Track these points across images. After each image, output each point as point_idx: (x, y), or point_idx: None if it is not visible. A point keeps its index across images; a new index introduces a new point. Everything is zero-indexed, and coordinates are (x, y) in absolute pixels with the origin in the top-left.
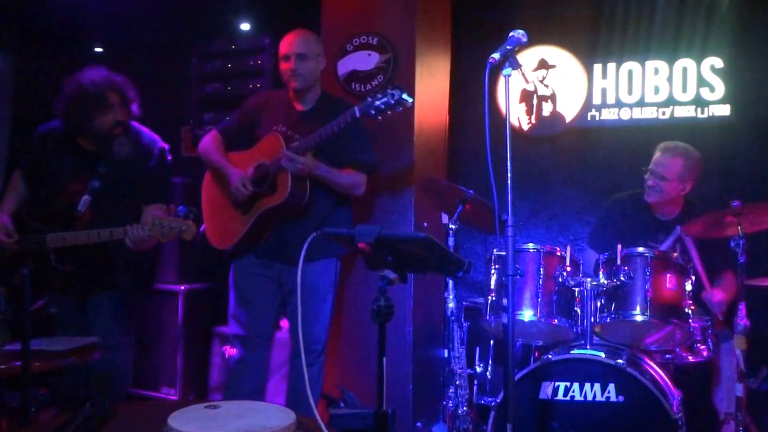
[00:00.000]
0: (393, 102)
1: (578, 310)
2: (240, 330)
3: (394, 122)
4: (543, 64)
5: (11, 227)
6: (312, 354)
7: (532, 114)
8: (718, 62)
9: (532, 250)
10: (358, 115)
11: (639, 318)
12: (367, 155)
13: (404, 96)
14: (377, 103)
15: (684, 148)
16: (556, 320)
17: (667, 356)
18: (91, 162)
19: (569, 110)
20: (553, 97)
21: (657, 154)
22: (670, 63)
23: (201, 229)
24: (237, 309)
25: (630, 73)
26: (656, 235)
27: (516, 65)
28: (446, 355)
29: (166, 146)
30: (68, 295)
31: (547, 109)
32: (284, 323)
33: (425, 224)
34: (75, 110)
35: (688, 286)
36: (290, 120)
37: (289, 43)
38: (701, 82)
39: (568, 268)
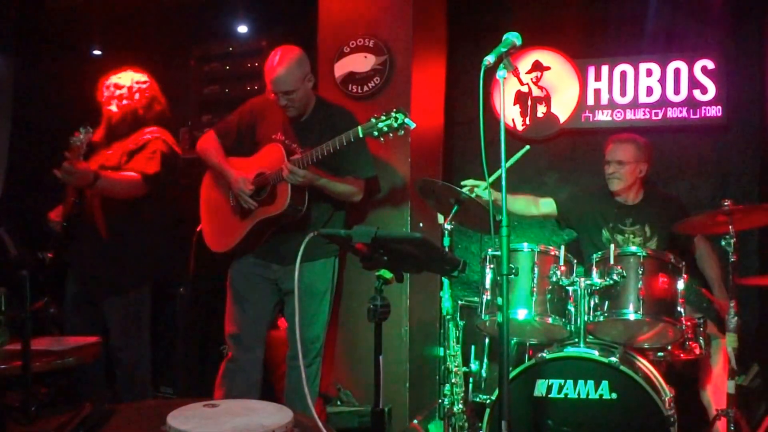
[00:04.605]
0: (396, 125)
1: (572, 309)
2: (235, 329)
3: None
4: (537, 66)
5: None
6: (310, 354)
7: (527, 115)
8: (710, 64)
9: (526, 250)
10: (361, 135)
11: (632, 316)
12: (366, 169)
13: (407, 120)
14: (380, 125)
15: (631, 135)
16: (550, 319)
17: (659, 354)
18: None
19: (563, 111)
20: (547, 99)
21: (609, 147)
22: (663, 64)
23: (198, 229)
24: (233, 309)
25: (623, 74)
26: (624, 218)
27: (510, 67)
28: (442, 353)
29: None
30: (81, 301)
31: (541, 110)
32: (282, 323)
33: (421, 224)
34: None
35: (681, 285)
36: (287, 129)
37: (273, 81)
38: (693, 83)
39: (562, 268)
